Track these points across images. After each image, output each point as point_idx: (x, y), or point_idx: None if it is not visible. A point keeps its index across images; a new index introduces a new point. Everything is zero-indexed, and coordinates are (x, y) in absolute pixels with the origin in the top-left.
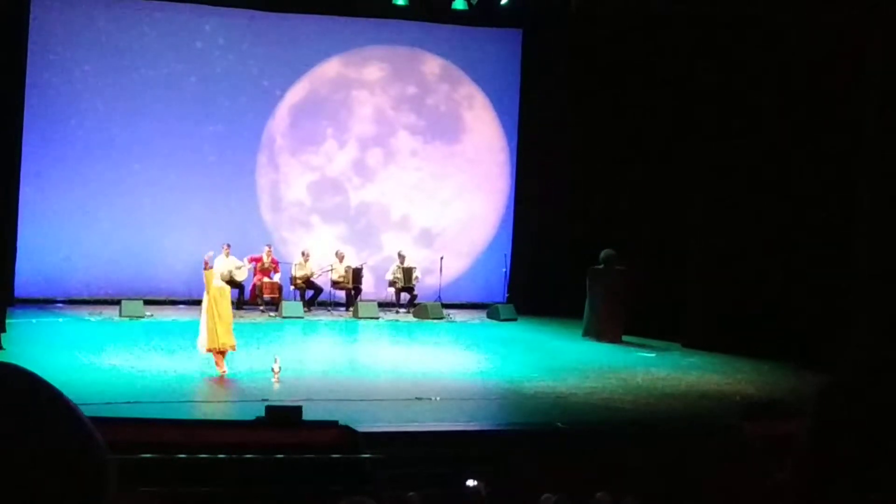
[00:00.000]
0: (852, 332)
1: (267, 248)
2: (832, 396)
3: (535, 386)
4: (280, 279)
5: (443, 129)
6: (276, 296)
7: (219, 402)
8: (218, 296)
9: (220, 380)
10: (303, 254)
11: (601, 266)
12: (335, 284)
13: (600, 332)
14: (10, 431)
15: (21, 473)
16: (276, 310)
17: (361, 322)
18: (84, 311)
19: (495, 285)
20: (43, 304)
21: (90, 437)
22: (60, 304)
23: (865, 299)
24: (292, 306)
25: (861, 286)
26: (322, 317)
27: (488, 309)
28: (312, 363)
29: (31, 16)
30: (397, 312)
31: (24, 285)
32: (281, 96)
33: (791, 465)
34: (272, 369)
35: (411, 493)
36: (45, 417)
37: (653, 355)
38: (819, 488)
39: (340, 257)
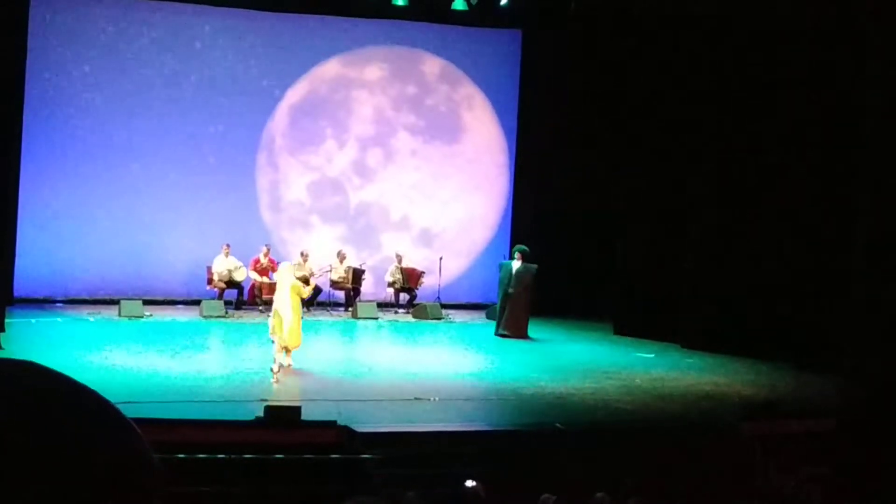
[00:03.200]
0: (852, 333)
1: (265, 249)
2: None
3: (534, 386)
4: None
5: (442, 129)
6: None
7: (218, 401)
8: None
9: (287, 369)
10: (302, 254)
11: (512, 260)
12: (334, 285)
13: (507, 326)
14: (60, 441)
15: (64, 481)
16: None
17: (360, 322)
18: (83, 311)
19: (494, 286)
20: (42, 303)
21: (142, 447)
22: (60, 304)
23: (865, 299)
24: None
25: (861, 286)
26: (321, 317)
27: (487, 309)
28: (311, 363)
29: (31, 15)
30: (396, 313)
31: (24, 285)
32: (280, 96)
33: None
34: (271, 369)
35: (410, 494)
36: (97, 428)
37: (652, 356)
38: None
39: (342, 258)
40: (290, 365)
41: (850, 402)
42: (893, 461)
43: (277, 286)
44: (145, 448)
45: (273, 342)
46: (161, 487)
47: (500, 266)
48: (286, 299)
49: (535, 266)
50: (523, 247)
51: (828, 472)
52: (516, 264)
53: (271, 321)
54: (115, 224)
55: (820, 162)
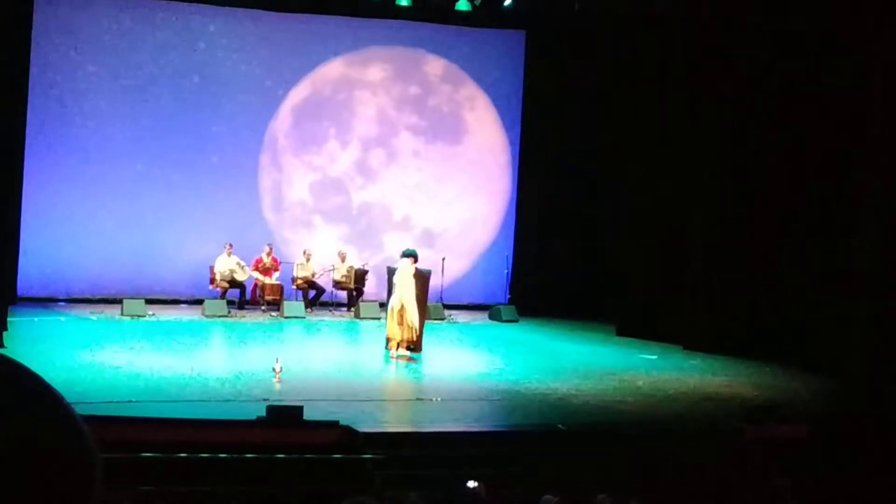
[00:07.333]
0: (853, 334)
1: (267, 248)
2: (839, 401)
3: (537, 387)
4: (280, 279)
5: (445, 129)
6: (278, 298)
7: (220, 401)
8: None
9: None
10: (304, 253)
11: (405, 264)
12: (337, 285)
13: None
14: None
15: (4, 467)
16: (278, 310)
17: (363, 322)
18: (86, 310)
19: (497, 286)
20: (45, 302)
21: (79, 431)
22: (62, 303)
23: (865, 301)
24: (294, 306)
25: (861, 288)
26: (323, 317)
27: (490, 310)
28: (314, 363)
29: (35, 15)
30: None
31: (27, 283)
32: (283, 96)
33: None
34: (273, 369)
35: (411, 494)
36: (30, 409)
37: (654, 357)
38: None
39: (342, 257)
40: (411, 358)
41: (851, 405)
42: (892, 464)
43: (399, 286)
44: (88, 441)
45: (389, 340)
46: (98, 483)
47: (390, 271)
48: (411, 298)
49: (428, 270)
50: (412, 250)
51: (829, 476)
52: (408, 267)
53: (390, 321)
54: (118, 223)
55: (822, 163)
